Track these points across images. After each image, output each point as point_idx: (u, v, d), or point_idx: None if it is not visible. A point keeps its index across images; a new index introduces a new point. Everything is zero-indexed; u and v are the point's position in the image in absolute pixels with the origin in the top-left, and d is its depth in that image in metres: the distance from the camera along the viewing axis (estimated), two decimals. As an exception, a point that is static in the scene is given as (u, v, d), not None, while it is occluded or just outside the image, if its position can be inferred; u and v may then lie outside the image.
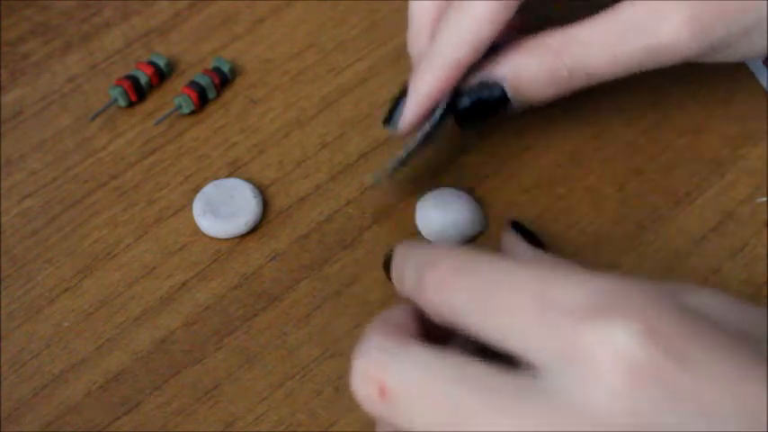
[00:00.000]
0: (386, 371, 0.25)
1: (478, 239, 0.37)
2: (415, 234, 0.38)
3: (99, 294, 0.37)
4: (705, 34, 0.33)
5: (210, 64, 0.43)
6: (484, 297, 0.24)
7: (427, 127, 0.35)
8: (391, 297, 0.36)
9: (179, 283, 0.37)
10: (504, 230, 0.34)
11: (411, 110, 0.35)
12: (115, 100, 0.42)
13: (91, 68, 0.44)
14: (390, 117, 0.36)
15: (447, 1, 0.35)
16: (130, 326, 0.36)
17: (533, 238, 0.33)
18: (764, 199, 0.38)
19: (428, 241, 0.34)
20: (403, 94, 0.35)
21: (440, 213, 0.36)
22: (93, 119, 0.42)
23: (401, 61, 0.43)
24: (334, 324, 0.36)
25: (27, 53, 0.44)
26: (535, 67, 0.34)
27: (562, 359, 0.22)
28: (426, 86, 0.34)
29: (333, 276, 0.37)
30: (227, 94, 0.42)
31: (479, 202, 0.38)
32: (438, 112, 0.35)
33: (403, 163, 0.36)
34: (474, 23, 0.33)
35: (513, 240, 0.33)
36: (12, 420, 0.34)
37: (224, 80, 0.42)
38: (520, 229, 0.34)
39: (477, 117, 0.35)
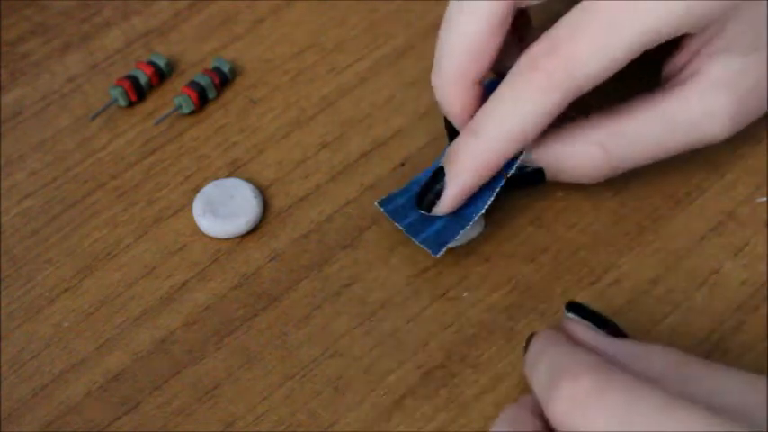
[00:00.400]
0: None
1: (477, 240, 0.37)
2: (415, 234, 0.38)
3: (99, 294, 0.37)
4: (746, 121, 0.35)
5: (210, 64, 0.43)
6: (625, 424, 0.24)
7: (481, 208, 0.35)
8: (391, 297, 0.36)
9: (179, 283, 0.37)
10: (564, 317, 0.31)
11: (448, 204, 0.35)
12: (115, 100, 0.42)
13: (91, 68, 0.44)
14: (423, 201, 0.35)
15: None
16: (130, 326, 0.36)
17: (601, 321, 0.31)
18: (764, 199, 0.38)
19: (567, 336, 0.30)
20: (436, 177, 0.35)
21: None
22: (93, 119, 0.42)
23: (401, 61, 0.43)
24: (334, 324, 0.36)
25: (27, 53, 0.44)
26: (578, 160, 0.34)
27: None
28: (465, 182, 0.34)
29: (333, 276, 0.37)
30: (227, 94, 0.42)
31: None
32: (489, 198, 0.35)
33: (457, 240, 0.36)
34: (517, 126, 0.33)
35: (582, 331, 0.30)
36: (12, 420, 0.34)
37: (224, 80, 0.42)
38: (583, 311, 0.31)
39: (510, 188, 0.36)
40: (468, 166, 0.34)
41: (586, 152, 0.34)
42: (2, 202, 0.40)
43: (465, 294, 0.36)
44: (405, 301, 0.36)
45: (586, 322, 0.30)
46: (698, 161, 0.39)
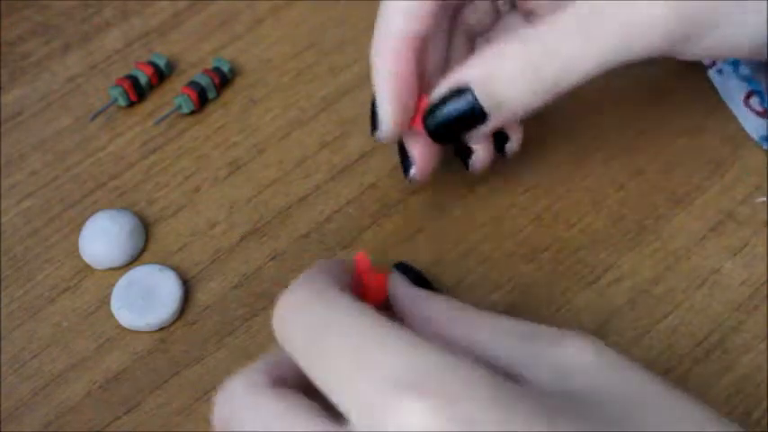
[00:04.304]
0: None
1: (477, 240, 0.37)
2: (416, 233, 0.38)
3: (99, 294, 0.37)
4: (686, 13, 0.30)
5: (210, 64, 0.43)
6: (313, 340, 0.24)
7: None
8: (391, 297, 0.36)
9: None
10: (390, 273, 0.32)
11: (384, 112, 0.33)
12: (115, 100, 0.42)
13: (91, 68, 0.44)
14: (373, 124, 0.34)
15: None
16: (130, 326, 0.36)
17: (418, 277, 0.33)
18: (764, 199, 0.38)
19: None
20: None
21: None
22: (93, 119, 0.42)
23: (401, 61, 0.43)
24: (334, 324, 0.36)
25: (27, 53, 0.44)
26: (511, 66, 0.31)
27: (366, 422, 0.23)
28: (383, 76, 0.33)
29: (333, 276, 0.37)
30: (227, 94, 0.42)
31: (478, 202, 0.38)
32: None
33: None
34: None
35: (395, 282, 0.31)
36: (12, 420, 0.34)
37: (224, 80, 0.42)
38: (405, 269, 0.33)
39: (450, 132, 0.32)
40: (380, 70, 0.33)
41: (518, 55, 0.31)
42: (2, 202, 0.40)
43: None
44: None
45: (404, 276, 0.31)
46: (698, 161, 0.39)
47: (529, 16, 0.36)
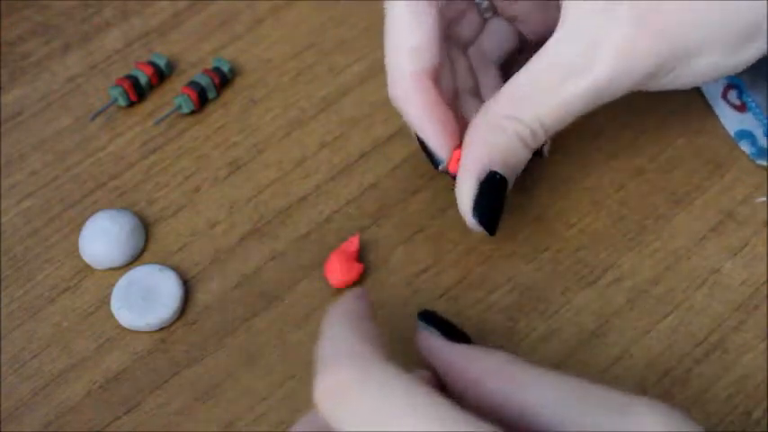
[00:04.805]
0: None
1: (477, 240, 0.37)
2: (416, 233, 0.38)
3: (99, 294, 0.37)
4: (641, 62, 0.31)
5: (210, 64, 0.43)
6: (373, 419, 0.24)
7: None
8: (392, 297, 0.36)
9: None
10: (417, 327, 0.31)
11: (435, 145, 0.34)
12: (115, 100, 0.42)
13: (91, 68, 0.44)
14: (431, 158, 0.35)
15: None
16: (130, 326, 0.36)
17: (449, 328, 0.31)
18: (764, 199, 0.38)
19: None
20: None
21: None
22: (93, 119, 0.42)
23: (401, 61, 0.43)
24: (334, 324, 0.36)
25: (27, 53, 0.44)
26: (506, 142, 0.33)
27: None
28: (416, 116, 0.34)
29: (333, 276, 0.37)
30: (227, 94, 0.42)
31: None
32: None
33: None
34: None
35: (428, 339, 0.30)
36: (12, 420, 0.34)
37: (224, 80, 0.42)
38: (431, 320, 0.31)
39: (492, 213, 0.34)
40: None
41: (503, 131, 0.33)
42: (2, 202, 0.40)
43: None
44: (405, 301, 0.36)
45: (434, 330, 0.30)
46: (698, 161, 0.39)
47: (513, 21, 0.38)
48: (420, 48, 0.33)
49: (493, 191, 0.33)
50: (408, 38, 0.33)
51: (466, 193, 0.33)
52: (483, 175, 0.33)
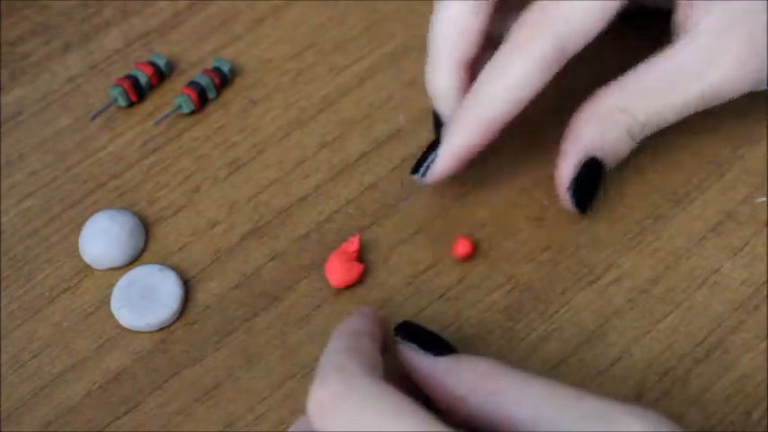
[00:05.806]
0: None
1: (476, 240, 0.37)
2: (416, 233, 0.38)
3: (99, 294, 0.37)
4: (760, 65, 0.34)
5: (210, 64, 0.43)
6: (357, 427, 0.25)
7: None
8: (391, 297, 0.36)
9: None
10: (396, 342, 0.30)
11: (443, 164, 0.35)
12: (115, 100, 0.42)
13: (91, 68, 0.44)
14: (418, 167, 0.36)
15: (477, 50, 0.36)
16: (130, 326, 0.36)
17: (429, 339, 0.30)
18: (764, 199, 0.38)
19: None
20: (434, 145, 0.36)
21: None
22: (93, 119, 0.42)
23: (401, 61, 0.43)
24: (334, 324, 0.35)
25: (27, 53, 0.44)
26: (615, 133, 0.35)
27: None
28: (462, 141, 0.35)
29: (333, 276, 0.37)
30: (227, 94, 0.42)
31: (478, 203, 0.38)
32: None
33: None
34: (514, 82, 0.34)
35: (409, 355, 0.29)
36: (12, 420, 0.34)
37: (224, 80, 0.42)
38: (409, 332, 0.30)
39: (587, 194, 0.36)
40: (462, 127, 0.35)
41: (615, 123, 0.35)
42: (2, 202, 0.40)
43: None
44: (405, 301, 0.36)
45: (411, 344, 0.29)
46: (698, 161, 0.39)
47: None
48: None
49: (591, 174, 0.35)
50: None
51: (565, 171, 0.35)
52: (585, 158, 0.35)
